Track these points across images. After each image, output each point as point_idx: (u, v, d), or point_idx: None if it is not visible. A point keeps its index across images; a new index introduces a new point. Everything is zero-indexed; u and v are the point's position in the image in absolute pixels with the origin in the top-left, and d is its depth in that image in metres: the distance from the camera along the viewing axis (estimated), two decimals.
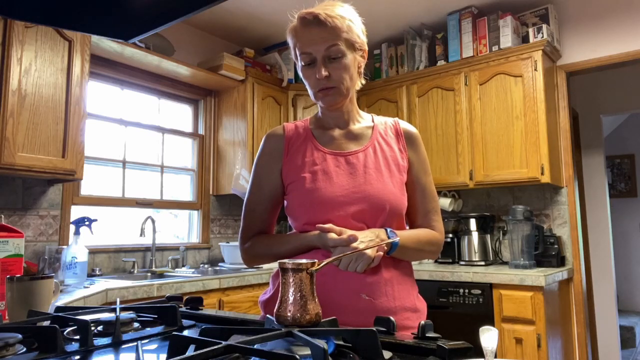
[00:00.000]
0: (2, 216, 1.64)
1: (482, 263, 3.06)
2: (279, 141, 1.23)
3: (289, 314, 0.80)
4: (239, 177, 3.17)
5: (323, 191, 1.12)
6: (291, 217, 1.20)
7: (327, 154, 1.18)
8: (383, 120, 1.27)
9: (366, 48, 1.20)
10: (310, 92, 1.19)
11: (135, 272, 2.78)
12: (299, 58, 1.17)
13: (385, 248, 1.09)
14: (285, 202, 1.22)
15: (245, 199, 1.25)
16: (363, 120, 1.26)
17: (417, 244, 1.16)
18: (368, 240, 1.06)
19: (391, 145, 1.21)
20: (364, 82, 1.24)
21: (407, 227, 1.24)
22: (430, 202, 1.23)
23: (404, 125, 1.27)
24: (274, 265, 1.03)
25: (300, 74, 1.19)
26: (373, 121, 1.26)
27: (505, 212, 3.19)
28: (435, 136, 3.24)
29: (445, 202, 3.31)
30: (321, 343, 0.62)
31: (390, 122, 1.26)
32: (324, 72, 1.12)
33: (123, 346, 0.83)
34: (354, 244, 1.04)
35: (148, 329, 0.94)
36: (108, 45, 2.63)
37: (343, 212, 1.11)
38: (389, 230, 1.11)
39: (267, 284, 2.72)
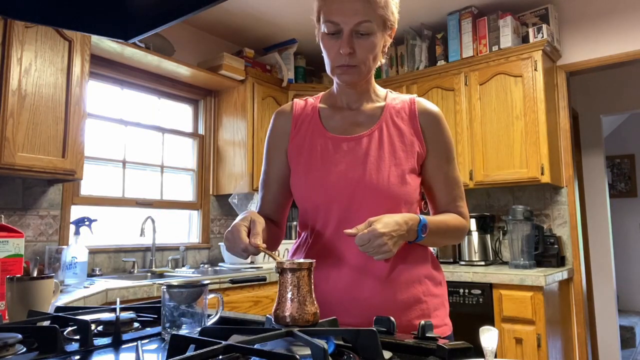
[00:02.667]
0: (2, 216, 1.64)
1: (482, 263, 3.06)
2: (287, 119, 1.19)
3: (287, 314, 0.80)
4: (234, 197, 3.20)
5: (319, 180, 1.09)
6: (295, 202, 1.18)
7: (329, 139, 1.12)
8: (400, 99, 1.17)
9: (396, 27, 1.12)
10: (327, 64, 1.09)
11: (135, 272, 2.78)
12: (322, 23, 1.06)
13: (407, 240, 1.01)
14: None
15: (260, 179, 1.23)
16: (377, 99, 1.17)
17: (444, 234, 1.09)
18: (390, 229, 0.94)
19: (401, 128, 1.12)
20: (383, 60, 1.15)
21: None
22: (454, 190, 1.15)
23: (422, 104, 1.15)
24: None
25: (319, 41, 1.09)
26: (385, 99, 1.17)
27: (505, 212, 3.19)
28: None
29: None
30: (321, 343, 0.62)
31: (407, 100, 1.16)
32: (348, 49, 1.02)
33: (123, 346, 0.83)
34: (376, 231, 0.93)
35: (148, 329, 0.94)
36: (108, 45, 2.63)
37: (340, 203, 1.07)
38: (422, 217, 1.03)
39: (267, 283, 2.72)
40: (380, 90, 1.20)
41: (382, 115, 1.14)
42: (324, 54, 1.09)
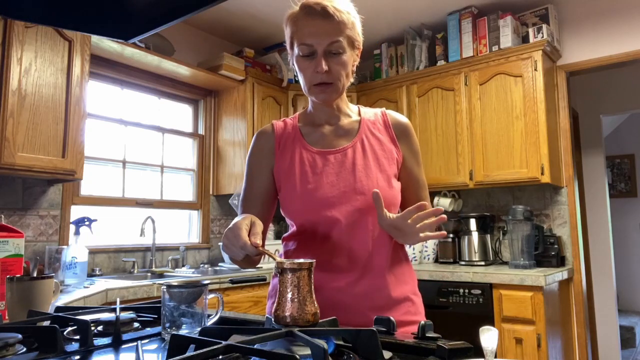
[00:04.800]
0: (2, 216, 1.64)
1: (482, 263, 3.05)
2: (270, 139, 1.22)
3: (287, 314, 0.80)
4: (234, 198, 3.20)
5: (313, 193, 1.12)
6: (287, 217, 1.20)
7: (316, 153, 1.17)
8: (372, 112, 1.25)
9: (361, 47, 1.19)
10: (303, 84, 1.16)
11: (135, 272, 2.78)
12: (295, 47, 1.13)
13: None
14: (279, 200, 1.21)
15: (240, 198, 1.25)
16: (351, 114, 1.24)
17: None
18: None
19: (379, 138, 1.20)
20: (352, 80, 1.22)
21: None
22: (424, 192, 1.24)
23: (392, 115, 1.24)
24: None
25: (294, 64, 1.16)
26: (359, 114, 1.24)
27: (505, 212, 3.19)
28: (435, 136, 3.24)
29: (445, 202, 3.31)
30: (321, 343, 0.62)
31: (378, 113, 1.25)
32: (324, 67, 1.09)
33: (123, 346, 0.83)
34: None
35: (148, 329, 0.94)
36: (108, 45, 2.63)
37: (336, 212, 1.11)
38: None
39: (267, 284, 2.72)
40: (353, 106, 1.27)
41: (360, 128, 1.21)
42: (300, 76, 1.16)
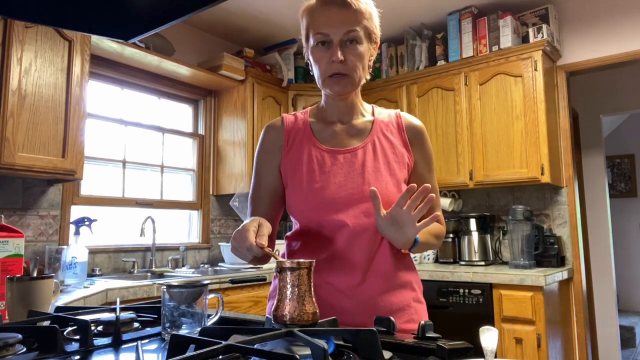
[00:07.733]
0: (2, 216, 1.64)
1: (482, 263, 3.05)
2: (279, 134, 1.19)
3: (286, 314, 0.80)
4: (235, 200, 3.19)
5: (320, 192, 1.10)
6: (292, 215, 1.18)
7: (325, 151, 1.14)
8: (386, 113, 1.22)
9: (379, 42, 1.16)
10: (317, 76, 1.13)
11: (135, 272, 2.78)
12: (311, 38, 1.11)
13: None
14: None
15: (249, 195, 1.23)
16: (365, 113, 1.21)
17: (430, 239, 1.15)
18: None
19: (391, 141, 1.17)
20: (368, 77, 1.18)
21: None
22: (435, 199, 1.22)
23: (407, 118, 1.21)
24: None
25: (310, 56, 1.13)
26: (373, 114, 1.21)
27: (505, 212, 3.19)
28: (435, 136, 3.24)
29: (445, 202, 3.31)
30: (321, 343, 0.62)
31: (392, 115, 1.22)
32: (340, 56, 1.06)
33: (123, 346, 0.83)
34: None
35: (148, 329, 0.94)
36: (108, 45, 2.63)
37: (343, 215, 1.09)
38: None
39: (267, 283, 2.72)
40: (367, 105, 1.24)
41: (372, 129, 1.18)
42: (314, 68, 1.13)
